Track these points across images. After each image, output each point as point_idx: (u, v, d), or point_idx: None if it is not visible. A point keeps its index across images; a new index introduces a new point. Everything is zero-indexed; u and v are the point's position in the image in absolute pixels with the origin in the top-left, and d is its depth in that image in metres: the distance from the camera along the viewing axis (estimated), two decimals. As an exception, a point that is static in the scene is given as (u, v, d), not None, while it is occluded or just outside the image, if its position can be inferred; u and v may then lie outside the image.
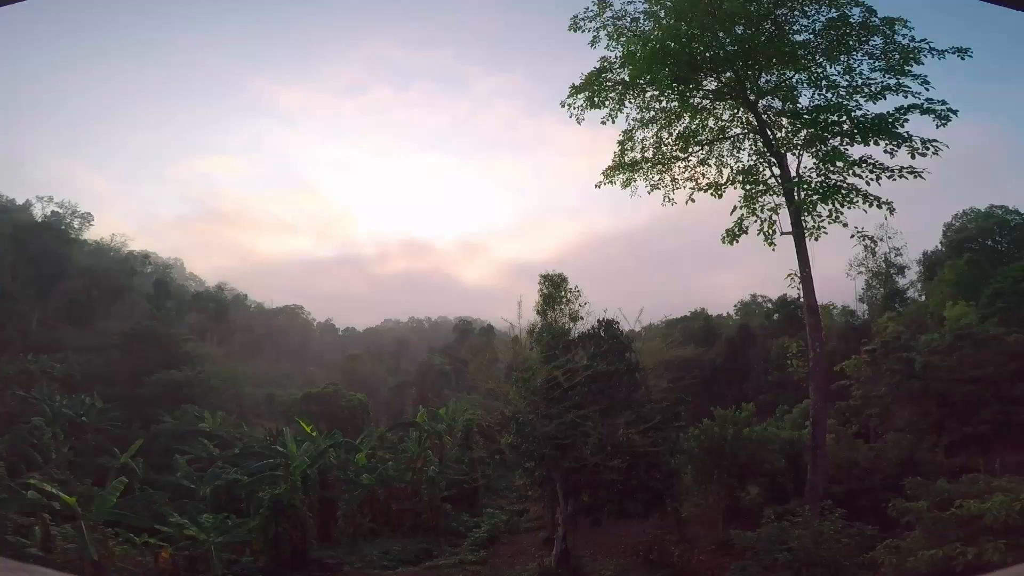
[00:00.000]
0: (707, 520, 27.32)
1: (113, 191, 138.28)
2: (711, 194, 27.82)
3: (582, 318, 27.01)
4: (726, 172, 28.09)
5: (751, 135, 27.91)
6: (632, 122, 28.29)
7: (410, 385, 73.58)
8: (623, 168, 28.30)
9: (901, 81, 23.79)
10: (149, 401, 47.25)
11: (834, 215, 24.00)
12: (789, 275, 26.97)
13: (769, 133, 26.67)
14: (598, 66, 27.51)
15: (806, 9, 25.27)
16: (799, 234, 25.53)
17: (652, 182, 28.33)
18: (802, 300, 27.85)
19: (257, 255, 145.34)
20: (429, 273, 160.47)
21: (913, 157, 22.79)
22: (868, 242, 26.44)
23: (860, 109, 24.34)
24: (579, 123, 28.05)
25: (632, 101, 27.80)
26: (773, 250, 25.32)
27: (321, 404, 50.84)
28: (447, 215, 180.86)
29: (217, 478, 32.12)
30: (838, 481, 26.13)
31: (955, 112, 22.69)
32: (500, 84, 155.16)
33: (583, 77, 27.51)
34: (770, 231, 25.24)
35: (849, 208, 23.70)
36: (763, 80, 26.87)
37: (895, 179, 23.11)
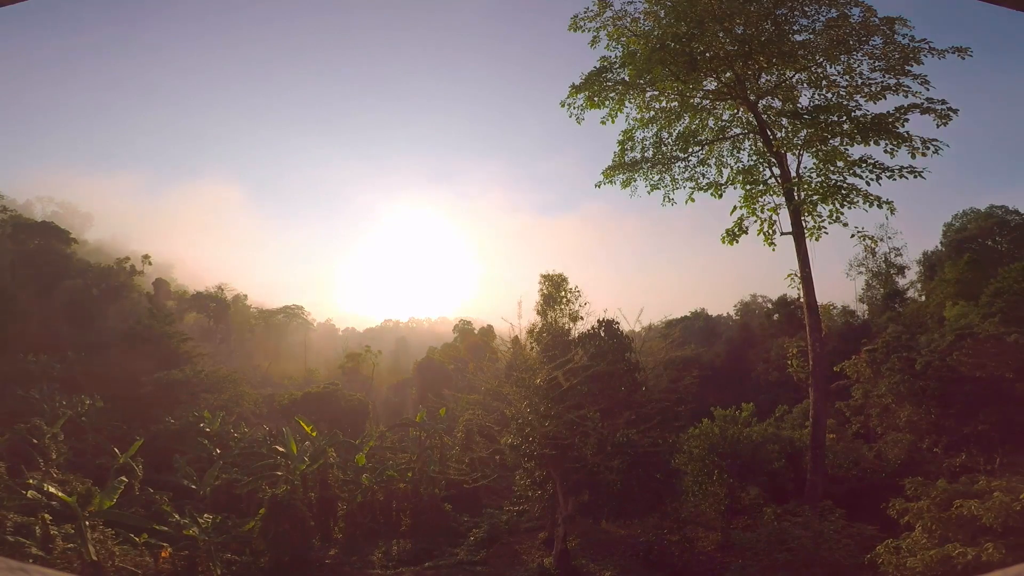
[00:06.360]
0: (707, 520, 27.33)
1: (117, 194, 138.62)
2: (711, 194, 27.86)
3: (582, 318, 26.96)
4: (726, 172, 28.14)
5: (751, 135, 27.96)
6: (632, 122, 28.36)
7: (410, 385, 73.54)
8: (623, 168, 28.33)
9: (901, 81, 23.76)
10: (149, 401, 47.12)
11: (834, 215, 23.98)
12: (789, 275, 26.90)
13: (769, 133, 26.67)
14: (598, 66, 27.54)
15: (806, 9, 25.26)
16: (799, 234, 25.55)
17: (652, 182, 28.38)
18: (802, 300, 27.82)
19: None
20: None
21: (913, 157, 22.80)
22: (868, 242, 26.39)
23: (860, 109, 24.34)
24: (579, 123, 28.10)
25: (632, 101, 27.85)
26: (773, 250, 25.33)
27: (321, 404, 50.73)
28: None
29: (217, 478, 32.08)
30: (838, 481, 26.20)
31: (955, 112, 22.66)
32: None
33: (583, 77, 27.55)
34: (770, 231, 25.22)
35: (849, 208, 23.68)
36: (763, 80, 26.87)
37: (895, 179, 23.11)
